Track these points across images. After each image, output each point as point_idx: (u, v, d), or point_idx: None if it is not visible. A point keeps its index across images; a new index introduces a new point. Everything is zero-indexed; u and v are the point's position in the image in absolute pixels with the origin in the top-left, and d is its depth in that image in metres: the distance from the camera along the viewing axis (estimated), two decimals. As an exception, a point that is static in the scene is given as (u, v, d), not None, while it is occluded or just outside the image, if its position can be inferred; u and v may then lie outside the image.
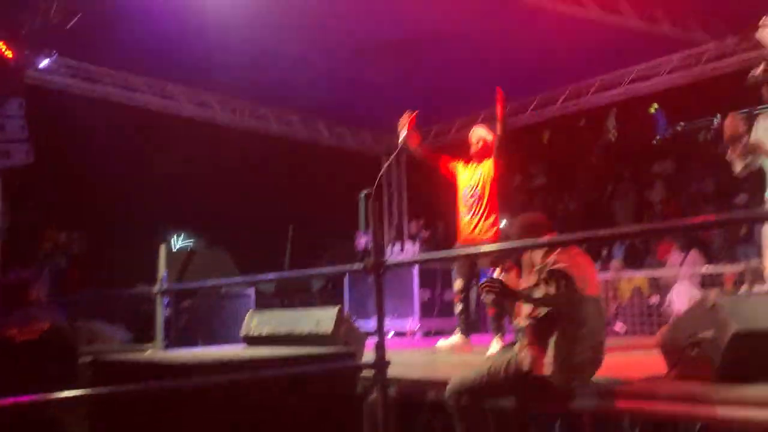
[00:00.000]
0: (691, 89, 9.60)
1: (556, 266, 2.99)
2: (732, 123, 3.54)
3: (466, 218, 5.51)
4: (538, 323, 3.03)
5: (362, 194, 9.90)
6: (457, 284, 5.57)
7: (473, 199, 5.48)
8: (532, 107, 10.25)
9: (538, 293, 3.03)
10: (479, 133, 5.62)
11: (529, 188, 13.60)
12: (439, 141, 11.42)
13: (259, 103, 10.18)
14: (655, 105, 13.60)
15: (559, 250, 3.04)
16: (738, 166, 3.83)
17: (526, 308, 3.08)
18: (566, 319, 2.99)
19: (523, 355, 3.11)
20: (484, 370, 3.18)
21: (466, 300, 5.57)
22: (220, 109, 9.94)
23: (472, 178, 5.54)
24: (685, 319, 3.10)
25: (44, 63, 7.26)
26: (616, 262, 9.38)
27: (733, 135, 3.54)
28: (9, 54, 5.98)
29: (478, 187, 5.46)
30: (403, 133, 5.42)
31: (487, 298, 5.32)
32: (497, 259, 4.45)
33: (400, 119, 5.47)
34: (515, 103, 10.35)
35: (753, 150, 3.63)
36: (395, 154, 5.44)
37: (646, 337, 7.05)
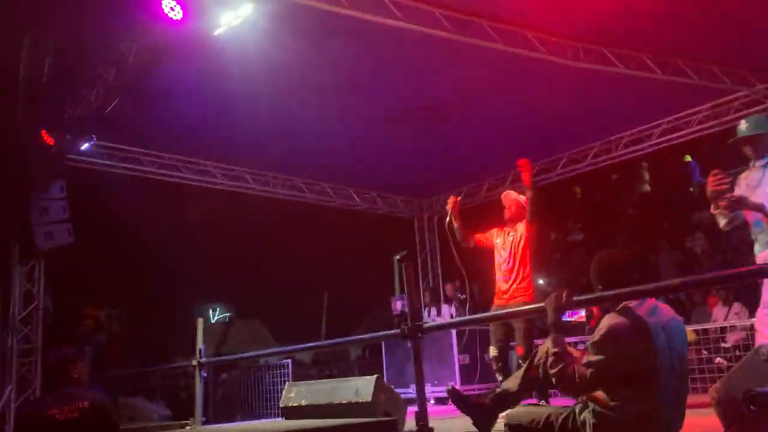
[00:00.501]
0: (725, 138, 9.54)
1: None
2: (715, 180, 3.54)
3: (501, 282, 5.58)
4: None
5: (396, 257, 9.91)
6: (492, 351, 5.55)
7: (507, 262, 5.56)
8: (562, 164, 10.27)
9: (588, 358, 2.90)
10: (512, 197, 5.76)
11: (566, 244, 13.45)
12: (471, 201, 11.46)
13: (290, 173, 10.40)
14: (688, 156, 13.52)
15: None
16: (722, 221, 3.82)
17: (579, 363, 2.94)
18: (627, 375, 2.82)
19: (585, 415, 2.92)
20: (542, 415, 3.03)
21: (504, 368, 5.51)
22: (252, 180, 10.16)
23: (505, 241, 5.64)
24: (740, 373, 2.98)
25: (84, 146, 7.56)
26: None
27: (715, 191, 3.54)
28: (51, 141, 6.27)
29: (512, 251, 5.55)
30: (449, 216, 5.63)
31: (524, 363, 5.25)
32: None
33: (448, 201, 5.66)
34: (545, 161, 10.41)
35: (736, 206, 3.61)
36: (450, 236, 5.59)
37: (697, 395, 6.77)
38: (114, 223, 12.03)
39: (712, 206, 3.77)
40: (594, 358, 2.83)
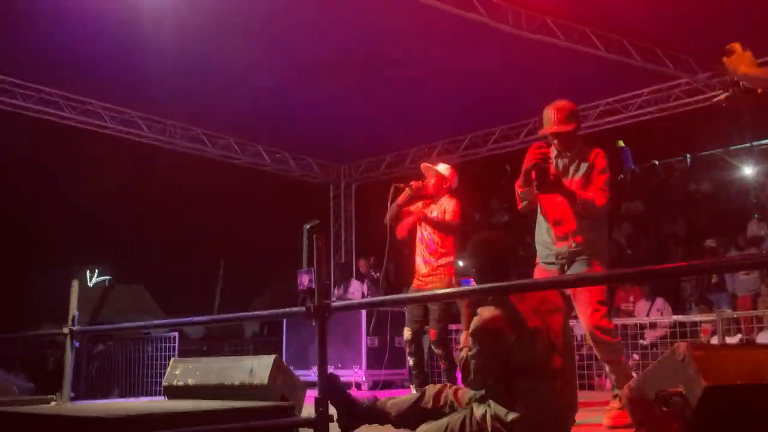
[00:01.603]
0: (662, 125, 10.05)
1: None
2: (538, 152, 3.77)
3: (420, 262, 5.59)
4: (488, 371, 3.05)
5: (306, 227, 9.87)
6: (407, 333, 5.59)
7: (427, 239, 5.56)
8: (493, 139, 10.51)
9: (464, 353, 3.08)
10: (432, 170, 5.64)
11: (490, 226, 13.80)
12: (393, 172, 11.53)
13: (192, 122, 10.11)
14: (621, 141, 14.10)
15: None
16: (524, 202, 4.13)
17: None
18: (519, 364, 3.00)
19: (482, 412, 3.11)
20: (441, 428, 3.19)
21: (417, 352, 5.58)
22: (146, 127, 9.80)
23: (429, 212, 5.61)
24: (654, 372, 3.18)
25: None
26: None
27: (536, 164, 3.77)
28: None
29: (432, 230, 5.53)
30: (393, 208, 5.50)
31: (436, 348, 5.39)
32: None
33: (393, 190, 5.54)
34: (476, 134, 10.61)
35: (549, 186, 3.85)
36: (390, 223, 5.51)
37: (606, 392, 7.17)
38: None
39: (521, 180, 3.97)
40: (473, 350, 3.02)
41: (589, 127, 9.72)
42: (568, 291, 3.94)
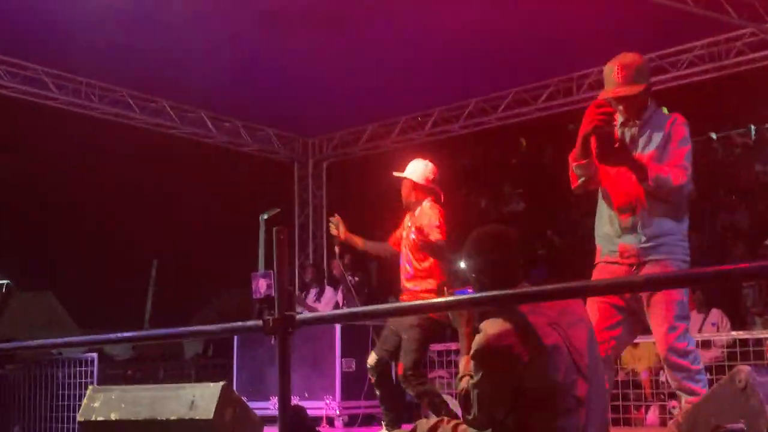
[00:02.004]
0: (720, 88, 10.11)
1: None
2: (599, 111, 3.80)
3: (402, 278, 5.77)
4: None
5: (263, 217, 9.84)
6: (370, 359, 5.74)
7: (404, 256, 5.74)
8: (505, 104, 10.53)
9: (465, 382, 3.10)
10: (401, 176, 5.73)
11: (500, 216, 13.87)
12: (375, 147, 11.55)
13: (114, 81, 10.06)
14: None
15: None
16: (581, 178, 4.11)
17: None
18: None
19: None
20: None
21: (383, 382, 5.72)
22: (53, 85, 9.72)
23: (407, 232, 5.73)
24: (708, 403, 3.21)
25: None
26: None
27: (598, 126, 3.80)
28: None
29: (408, 242, 5.69)
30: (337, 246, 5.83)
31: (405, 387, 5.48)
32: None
33: (331, 225, 5.84)
34: (482, 98, 10.62)
35: (612, 157, 3.91)
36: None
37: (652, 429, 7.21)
38: None
39: (577, 149, 3.96)
40: (476, 377, 3.02)
41: (572, 102, 9.82)
42: (638, 297, 3.95)
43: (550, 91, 10.20)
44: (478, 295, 3.19)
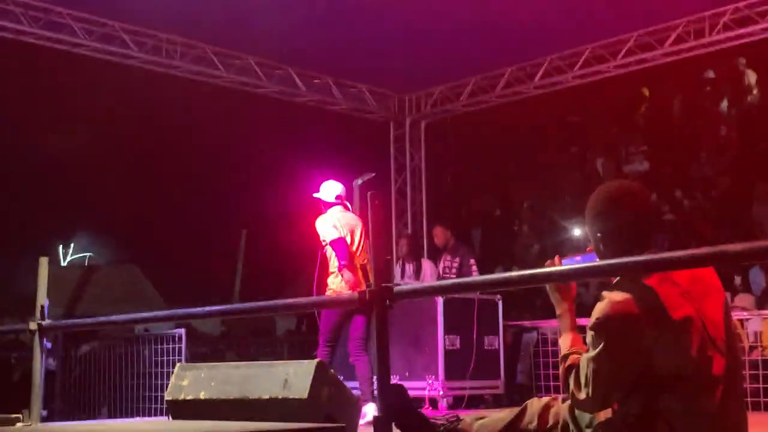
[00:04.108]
0: None
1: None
2: None
3: None
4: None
5: (357, 182, 9.89)
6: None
7: None
8: (623, 52, 10.23)
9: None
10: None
11: (621, 177, 13.60)
12: (480, 103, 11.48)
13: (197, 36, 10.16)
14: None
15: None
16: None
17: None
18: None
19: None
20: None
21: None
22: (134, 43, 9.85)
23: None
24: None
25: None
26: (748, 297, 9.32)
27: None
28: None
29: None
30: None
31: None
32: None
33: None
34: (603, 44, 10.36)
35: None
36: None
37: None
38: None
39: None
40: (595, 350, 2.92)
41: (704, 45, 9.46)
42: None
43: (678, 32, 9.86)
44: (601, 262, 3.08)
